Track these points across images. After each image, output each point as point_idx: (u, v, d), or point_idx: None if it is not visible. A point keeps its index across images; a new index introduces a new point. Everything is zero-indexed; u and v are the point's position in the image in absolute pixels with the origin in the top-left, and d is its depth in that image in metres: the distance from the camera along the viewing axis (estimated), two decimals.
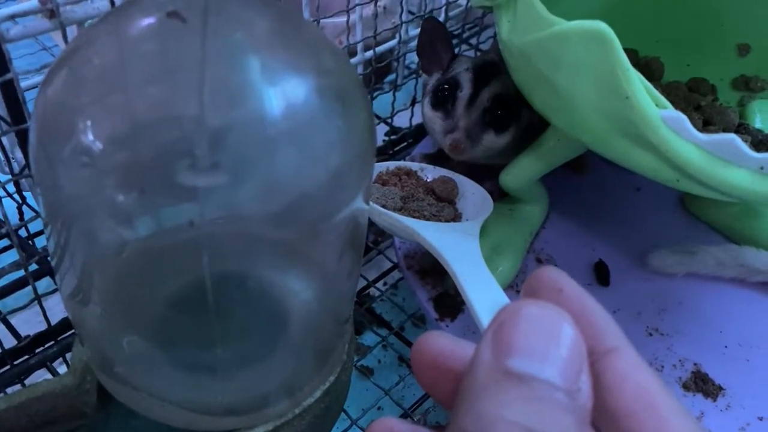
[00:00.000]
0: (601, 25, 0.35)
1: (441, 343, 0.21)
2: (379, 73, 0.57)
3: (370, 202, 0.43)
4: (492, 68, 0.49)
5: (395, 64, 0.59)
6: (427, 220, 0.44)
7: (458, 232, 0.42)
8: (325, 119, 0.27)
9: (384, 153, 0.63)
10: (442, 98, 0.49)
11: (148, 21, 0.27)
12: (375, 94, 0.59)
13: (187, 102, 0.25)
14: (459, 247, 0.39)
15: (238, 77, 0.26)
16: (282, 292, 0.33)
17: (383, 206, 0.44)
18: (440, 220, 0.45)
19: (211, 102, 0.25)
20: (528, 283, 0.21)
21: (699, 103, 0.51)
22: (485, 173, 0.54)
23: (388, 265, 0.57)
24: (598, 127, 0.38)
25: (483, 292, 0.35)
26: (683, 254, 0.51)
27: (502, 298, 0.35)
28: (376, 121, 0.61)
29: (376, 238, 0.60)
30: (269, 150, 0.26)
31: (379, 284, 0.56)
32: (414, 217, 0.44)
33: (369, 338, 0.55)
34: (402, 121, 0.64)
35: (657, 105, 0.35)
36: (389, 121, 0.62)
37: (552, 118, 0.42)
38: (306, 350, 0.36)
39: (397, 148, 0.63)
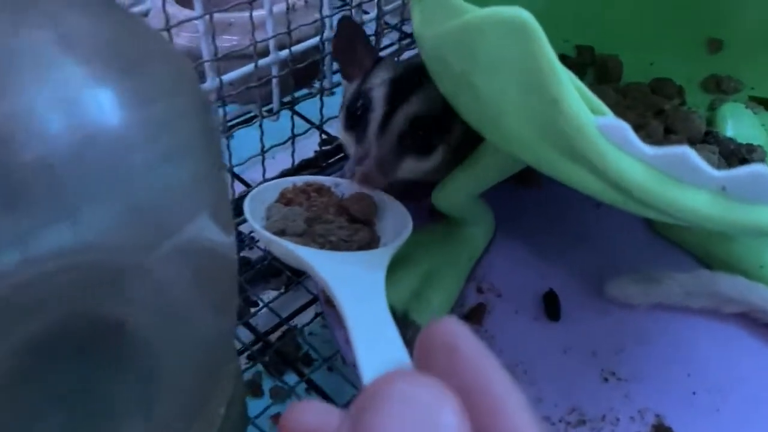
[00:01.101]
0: (521, 13, 0.28)
1: (309, 418, 0.18)
2: (301, 75, 0.50)
3: (258, 227, 0.36)
4: (415, 78, 0.41)
5: (322, 65, 0.52)
6: (335, 246, 0.37)
7: (362, 263, 0.35)
8: (128, 139, 0.22)
9: (315, 166, 0.56)
10: (356, 118, 0.41)
11: None
12: (300, 99, 0.52)
13: None
14: (357, 283, 0.32)
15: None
16: (122, 342, 0.27)
17: (282, 231, 0.37)
18: (352, 246, 0.38)
19: None
20: (420, 340, 0.17)
21: (662, 107, 0.44)
22: (423, 190, 0.47)
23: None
24: (526, 140, 0.31)
25: (375, 343, 0.28)
26: (647, 282, 0.44)
27: (400, 354, 0.28)
28: (307, 126, 0.54)
29: None
30: (53, 176, 0.20)
31: (310, 316, 0.49)
32: (319, 243, 0.37)
33: (291, 379, 0.48)
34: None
35: (592, 111, 0.28)
36: (322, 128, 0.55)
37: (479, 128, 0.35)
38: (160, 410, 0.30)
39: (330, 160, 0.56)
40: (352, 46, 0.43)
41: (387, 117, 0.40)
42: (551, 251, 0.48)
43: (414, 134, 0.40)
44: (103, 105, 0.22)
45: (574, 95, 0.28)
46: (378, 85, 0.41)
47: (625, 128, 0.28)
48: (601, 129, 0.28)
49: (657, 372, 0.42)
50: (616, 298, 0.44)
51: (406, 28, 0.68)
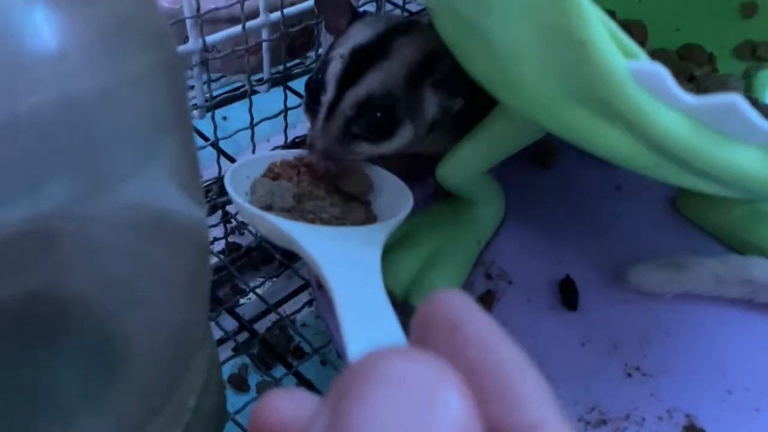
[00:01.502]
0: None
1: (284, 407, 0.15)
2: (295, 45, 0.46)
3: (242, 201, 0.32)
4: (382, 44, 0.36)
5: (318, 32, 0.48)
6: (326, 224, 0.33)
7: (355, 239, 0.31)
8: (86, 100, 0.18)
9: None
10: (314, 97, 0.36)
11: None
12: (294, 75, 0.48)
13: None
14: (348, 260, 0.28)
15: None
16: (67, 321, 0.24)
17: (268, 206, 0.33)
18: (345, 225, 0.34)
19: None
20: (418, 317, 0.15)
21: (692, 73, 0.40)
22: (426, 167, 0.42)
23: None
24: (547, 94, 0.27)
25: (367, 327, 0.24)
26: (673, 269, 0.40)
27: (396, 336, 0.24)
28: (300, 101, 0.50)
29: None
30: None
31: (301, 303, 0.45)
32: (309, 220, 0.33)
33: (279, 372, 0.44)
34: None
35: (625, 55, 0.24)
36: None
37: (489, 85, 0.31)
38: (115, 399, 0.27)
39: None
40: None
41: (337, 100, 0.35)
42: (567, 235, 0.44)
43: (365, 119, 0.35)
44: (59, 56, 0.19)
45: (605, 36, 0.24)
46: (337, 58, 0.36)
47: (662, 74, 0.24)
48: (634, 74, 0.24)
49: (686, 367, 0.38)
50: (639, 286, 0.41)
51: (410, 6, 0.64)
